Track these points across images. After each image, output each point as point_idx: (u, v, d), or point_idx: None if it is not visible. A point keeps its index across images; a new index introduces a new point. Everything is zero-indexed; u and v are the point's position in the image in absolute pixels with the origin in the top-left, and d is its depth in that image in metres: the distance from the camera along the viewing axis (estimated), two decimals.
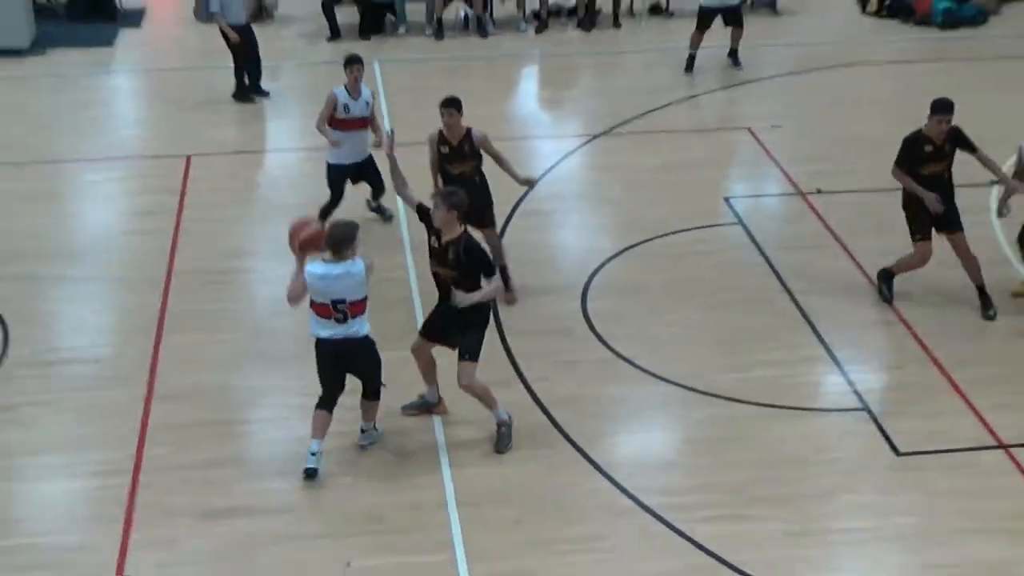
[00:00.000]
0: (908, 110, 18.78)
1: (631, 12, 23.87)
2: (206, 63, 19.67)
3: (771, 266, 15.03)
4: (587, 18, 23.02)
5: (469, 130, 13.82)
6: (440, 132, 13.78)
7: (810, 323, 13.90)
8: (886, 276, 14.22)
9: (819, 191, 16.74)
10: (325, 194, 15.69)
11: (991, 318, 13.90)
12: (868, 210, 15.60)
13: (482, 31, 22.60)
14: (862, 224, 15.54)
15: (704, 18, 20.65)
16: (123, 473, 11.49)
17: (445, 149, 13.84)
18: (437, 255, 11.43)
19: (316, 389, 11.20)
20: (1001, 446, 12.01)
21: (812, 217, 16.21)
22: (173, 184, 16.99)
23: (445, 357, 11.87)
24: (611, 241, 15.47)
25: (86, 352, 13.42)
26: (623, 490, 11.32)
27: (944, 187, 13.63)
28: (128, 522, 10.90)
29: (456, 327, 11.53)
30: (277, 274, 14.87)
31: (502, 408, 11.73)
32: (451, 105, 13.59)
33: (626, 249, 15.38)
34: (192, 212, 16.35)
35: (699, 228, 15.96)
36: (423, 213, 11.53)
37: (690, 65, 20.77)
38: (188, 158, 17.75)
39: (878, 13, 23.76)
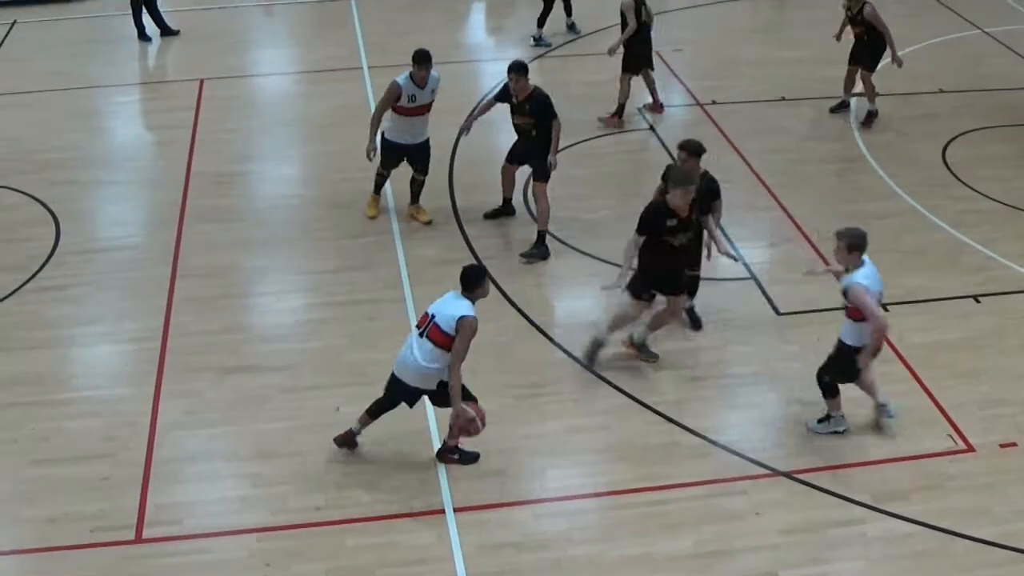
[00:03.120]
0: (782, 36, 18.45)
1: None
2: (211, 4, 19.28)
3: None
4: None
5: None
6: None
7: None
8: None
9: (714, 102, 16.35)
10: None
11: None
12: (753, 117, 15.19)
13: None
14: (748, 129, 15.17)
15: None
16: (154, 338, 11.36)
17: None
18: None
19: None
20: None
21: (709, 123, 15.80)
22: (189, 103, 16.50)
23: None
24: None
25: (122, 241, 13.09)
26: (558, 345, 11.24)
27: None
28: (159, 377, 10.79)
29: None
30: (274, 175, 14.84)
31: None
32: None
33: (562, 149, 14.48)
34: (204, 126, 15.86)
35: (619, 132, 15.64)
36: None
37: None
38: (201, 81, 17.22)
39: None
